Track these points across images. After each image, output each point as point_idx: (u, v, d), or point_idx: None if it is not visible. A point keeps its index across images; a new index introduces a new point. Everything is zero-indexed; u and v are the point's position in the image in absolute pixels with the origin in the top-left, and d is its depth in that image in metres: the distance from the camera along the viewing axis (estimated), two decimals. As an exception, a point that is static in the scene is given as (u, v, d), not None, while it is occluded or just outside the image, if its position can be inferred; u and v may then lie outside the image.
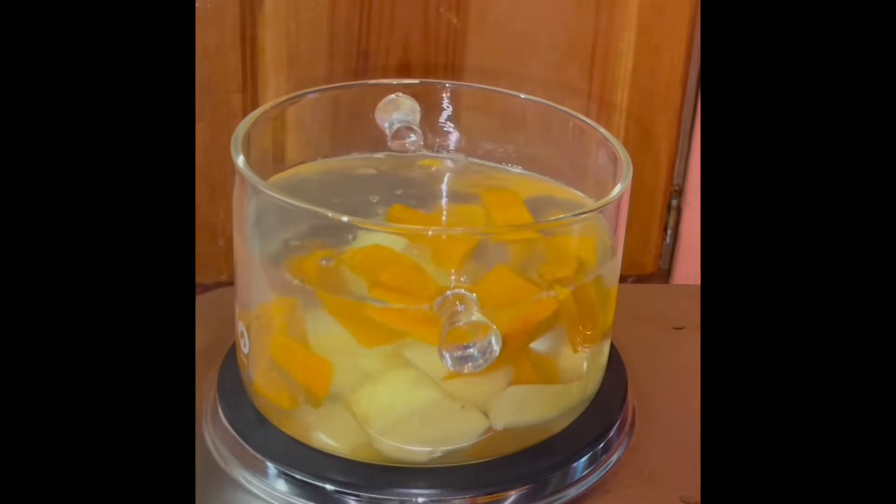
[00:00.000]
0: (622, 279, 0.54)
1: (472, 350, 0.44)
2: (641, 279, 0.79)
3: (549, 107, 0.57)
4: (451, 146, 0.59)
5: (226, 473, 0.50)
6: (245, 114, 0.59)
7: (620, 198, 0.49)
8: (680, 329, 0.63)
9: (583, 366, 0.52)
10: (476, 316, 0.44)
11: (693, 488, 0.50)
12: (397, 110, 0.57)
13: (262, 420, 0.51)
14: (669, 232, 0.78)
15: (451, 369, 0.45)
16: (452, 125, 0.59)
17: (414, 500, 0.48)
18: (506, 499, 0.49)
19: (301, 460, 0.49)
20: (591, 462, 0.51)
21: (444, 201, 0.58)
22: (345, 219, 0.46)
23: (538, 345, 0.50)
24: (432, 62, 0.69)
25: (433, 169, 0.59)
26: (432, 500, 0.48)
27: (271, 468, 0.49)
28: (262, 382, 0.51)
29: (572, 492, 0.50)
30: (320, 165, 0.58)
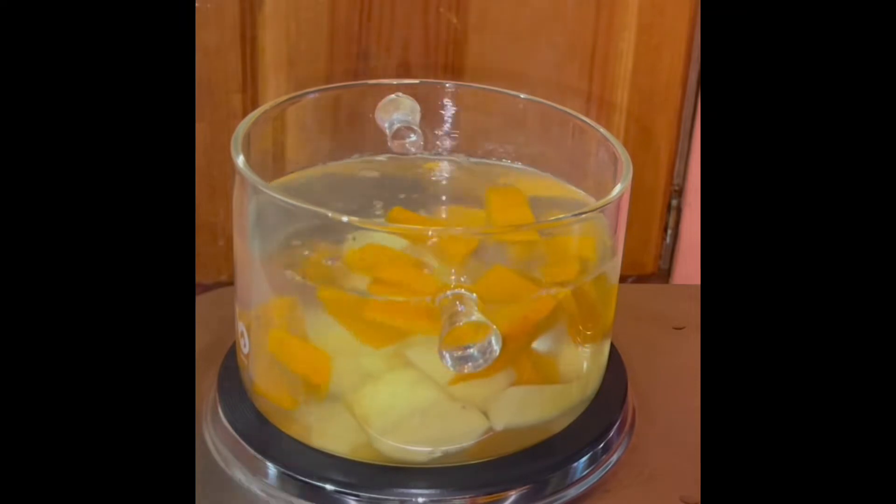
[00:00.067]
0: (622, 279, 0.54)
1: (472, 350, 0.44)
2: (641, 279, 0.79)
3: (549, 107, 0.57)
4: (451, 146, 0.59)
5: (226, 474, 0.50)
6: (245, 114, 0.59)
7: (620, 198, 0.50)
8: (680, 329, 0.63)
9: (583, 366, 0.52)
10: (476, 316, 0.44)
11: (693, 488, 0.50)
12: (397, 110, 0.57)
13: (262, 420, 0.51)
14: (669, 232, 0.78)
15: (451, 369, 0.45)
16: (452, 125, 0.59)
17: (414, 500, 0.48)
18: (506, 499, 0.49)
19: (301, 460, 0.49)
20: (591, 462, 0.51)
21: (445, 202, 0.58)
22: (345, 219, 0.46)
23: (538, 345, 0.50)
24: (432, 62, 0.69)
25: (433, 170, 0.59)
26: (432, 500, 0.48)
27: (271, 468, 0.49)
28: (263, 382, 0.51)
29: (572, 492, 0.50)
30: (321, 170, 0.58)
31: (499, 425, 0.49)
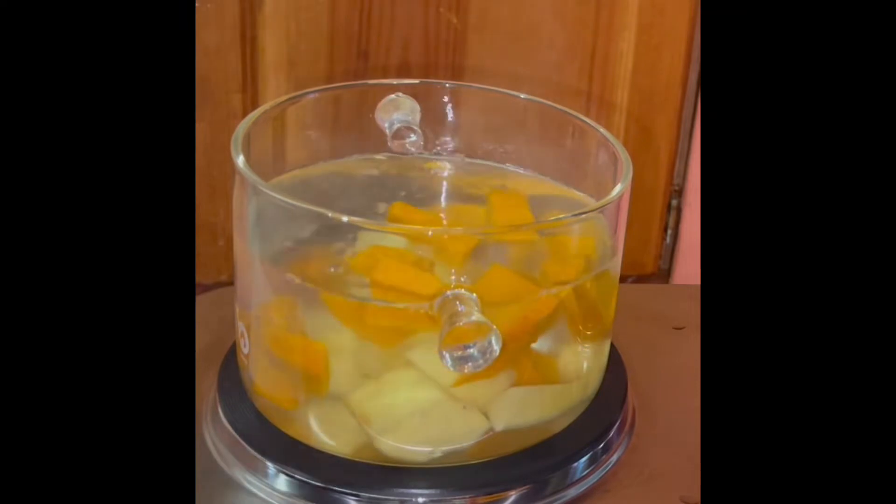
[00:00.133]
0: (622, 279, 0.54)
1: (472, 350, 0.44)
2: (641, 279, 0.79)
3: (549, 107, 0.57)
4: (451, 146, 0.59)
5: (226, 474, 0.50)
6: (245, 114, 0.59)
7: (620, 198, 0.50)
8: (680, 329, 0.63)
9: (583, 366, 0.52)
10: (476, 316, 0.44)
11: (693, 488, 0.50)
12: (397, 110, 0.57)
13: (262, 420, 0.51)
14: (669, 232, 0.78)
15: (451, 369, 0.45)
16: (452, 125, 0.59)
17: (414, 500, 0.48)
18: (506, 499, 0.49)
19: (301, 460, 0.49)
20: (591, 462, 0.51)
21: (444, 202, 0.58)
22: (345, 219, 0.46)
23: (539, 345, 0.50)
24: (432, 62, 0.69)
25: (434, 170, 0.59)
26: (432, 500, 0.48)
27: (271, 468, 0.49)
28: (263, 382, 0.51)
29: (572, 492, 0.50)
30: (321, 169, 0.58)
31: (499, 425, 0.49)
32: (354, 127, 0.59)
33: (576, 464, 0.51)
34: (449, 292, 0.46)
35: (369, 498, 0.48)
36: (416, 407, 0.48)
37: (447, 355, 0.44)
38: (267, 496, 0.49)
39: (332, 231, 0.50)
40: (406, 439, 0.48)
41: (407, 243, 0.49)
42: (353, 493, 0.48)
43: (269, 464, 0.49)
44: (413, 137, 0.58)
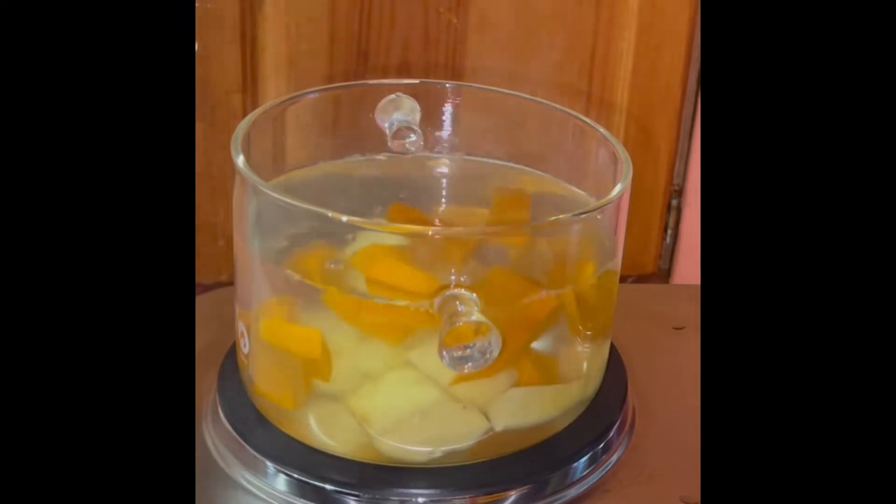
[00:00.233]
0: (622, 279, 0.54)
1: (471, 350, 0.44)
2: (641, 279, 0.79)
3: (549, 107, 0.57)
4: (451, 146, 0.59)
5: (226, 473, 0.50)
6: (245, 114, 0.59)
7: (620, 198, 0.49)
8: (680, 329, 0.63)
9: (583, 366, 0.52)
10: (476, 316, 0.44)
11: (693, 488, 0.50)
12: (397, 110, 0.57)
13: (262, 420, 0.51)
14: (669, 232, 0.78)
15: (451, 369, 0.45)
16: (452, 125, 0.59)
17: (414, 500, 0.48)
18: (506, 499, 0.49)
19: (301, 460, 0.49)
20: (591, 462, 0.51)
21: (444, 202, 0.58)
22: (344, 219, 0.46)
23: (539, 345, 0.50)
24: (432, 62, 0.69)
25: (433, 170, 0.59)
26: (432, 500, 0.48)
27: (271, 468, 0.49)
28: (263, 382, 0.51)
29: (572, 492, 0.50)
30: (321, 169, 0.58)
31: (499, 426, 0.49)
32: (354, 127, 0.58)
33: (576, 464, 0.51)
34: (449, 292, 0.46)
35: (369, 498, 0.48)
36: (416, 407, 0.48)
37: (447, 355, 0.44)
38: (267, 496, 0.49)
39: (332, 231, 0.50)
40: (406, 439, 0.48)
41: (407, 242, 0.49)
42: (353, 493, 0.48)
43: (269, 464, 0.49)
44: (413, 137, 0.57)
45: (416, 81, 0.59)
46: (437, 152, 0.59)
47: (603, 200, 0.49)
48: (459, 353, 0.44)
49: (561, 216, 0.50)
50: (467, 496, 0.48)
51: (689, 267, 0.78)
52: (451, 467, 0.49)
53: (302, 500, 0.49)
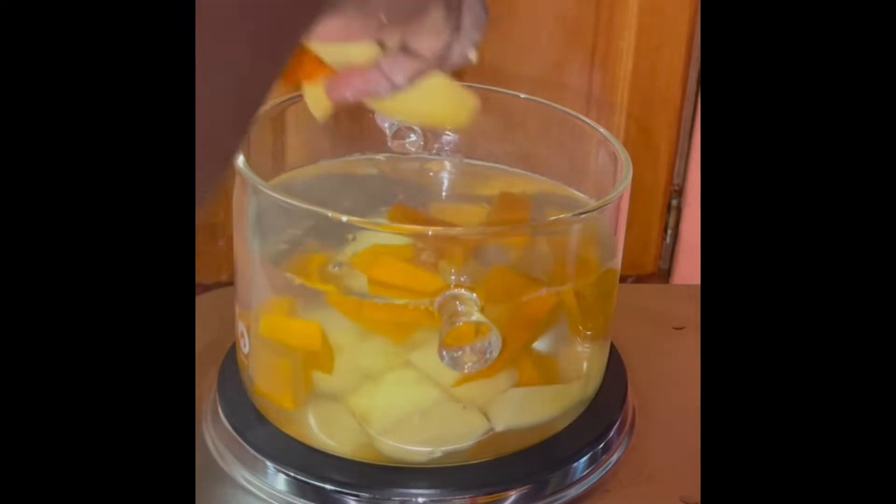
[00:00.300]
0: (622, 279, 0.54)
1: (471, 350, 0.44)
2: (641, 279, 0.79)
3: (549, 107, 0.57)
4: (451, 146, 0.59)
5: (226, 473, 0.50)
6: (245, 114, 0.59)
7: (620, 198, 0.50)
8: (680, 329, 0.63)
9: (583, 366, 0.52)
10: (476, 316, 0.44)
11: (693, 488, 0.50)
12: (397, 110, 0.57)
13: (262, 420, 0.51)
14: (669, 232, 0.78)
15: (451, 369, 0.45)
16: (452, 125, 0.59)
17: (414, 500, 0.48)
18: (506, 499, 0.49)
19: (301, 460, 0.49)
20: (591, 462, 0.51)
21: (444, 202, 0.58)
22: (344, 219, 0.46)
23: (539, 345, 0.50)
24: (432, 62, 0.69)
25: (433, 170, 0.59)
26: (432, 500, 0.48)
27: (271, 468, 0.49)
28: (263, 382, 0.51)
29: (572, 492, 0.50)
30: (321, 169, 0.58)
31: (499, 426, 0.49)
32: (354, 126, 0.58)
33: (576, 464, 0.51)
34: (449, 292, 0.46)
35: (369, 498, 0.48)
36: (416, 407, 0.48)
37: (447, 355, 0.44)
38: (267, 496, 0.49)
39: (332, 231, 0.50)
40: (406, 439, 0.48)
41: (407, 242, 0.49)
42: (353, 493, 0.48)
43: (269, 464, 0.49)
44: (413, 137, 0.57)
45: (416, 81, 0.58)
46: (437, 152, 0.59)
47: (603, 200, 0.49)
48: (459, 353, 0.44)
49: (561, 216, 0.50)
50: (467, 496, 0.48)
51: (688, 267, 0.78)
52: (451, 467, 0.49)
53: (302, 499, 0.49)
